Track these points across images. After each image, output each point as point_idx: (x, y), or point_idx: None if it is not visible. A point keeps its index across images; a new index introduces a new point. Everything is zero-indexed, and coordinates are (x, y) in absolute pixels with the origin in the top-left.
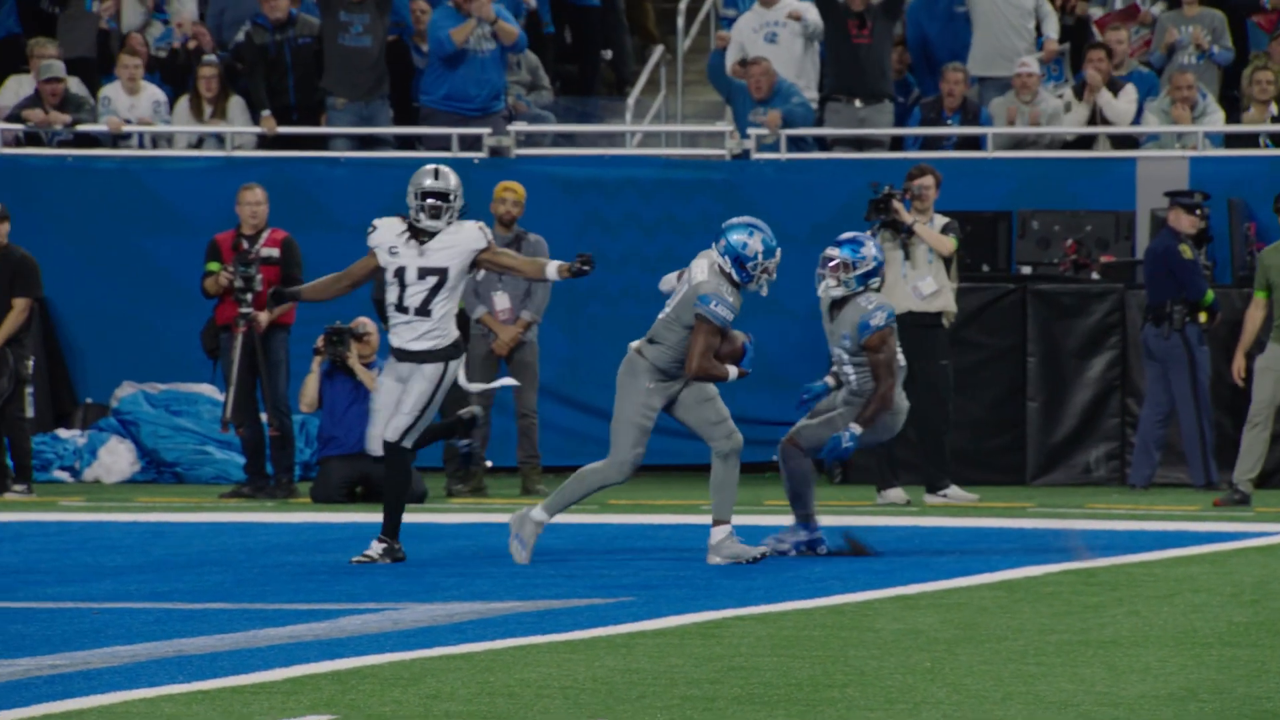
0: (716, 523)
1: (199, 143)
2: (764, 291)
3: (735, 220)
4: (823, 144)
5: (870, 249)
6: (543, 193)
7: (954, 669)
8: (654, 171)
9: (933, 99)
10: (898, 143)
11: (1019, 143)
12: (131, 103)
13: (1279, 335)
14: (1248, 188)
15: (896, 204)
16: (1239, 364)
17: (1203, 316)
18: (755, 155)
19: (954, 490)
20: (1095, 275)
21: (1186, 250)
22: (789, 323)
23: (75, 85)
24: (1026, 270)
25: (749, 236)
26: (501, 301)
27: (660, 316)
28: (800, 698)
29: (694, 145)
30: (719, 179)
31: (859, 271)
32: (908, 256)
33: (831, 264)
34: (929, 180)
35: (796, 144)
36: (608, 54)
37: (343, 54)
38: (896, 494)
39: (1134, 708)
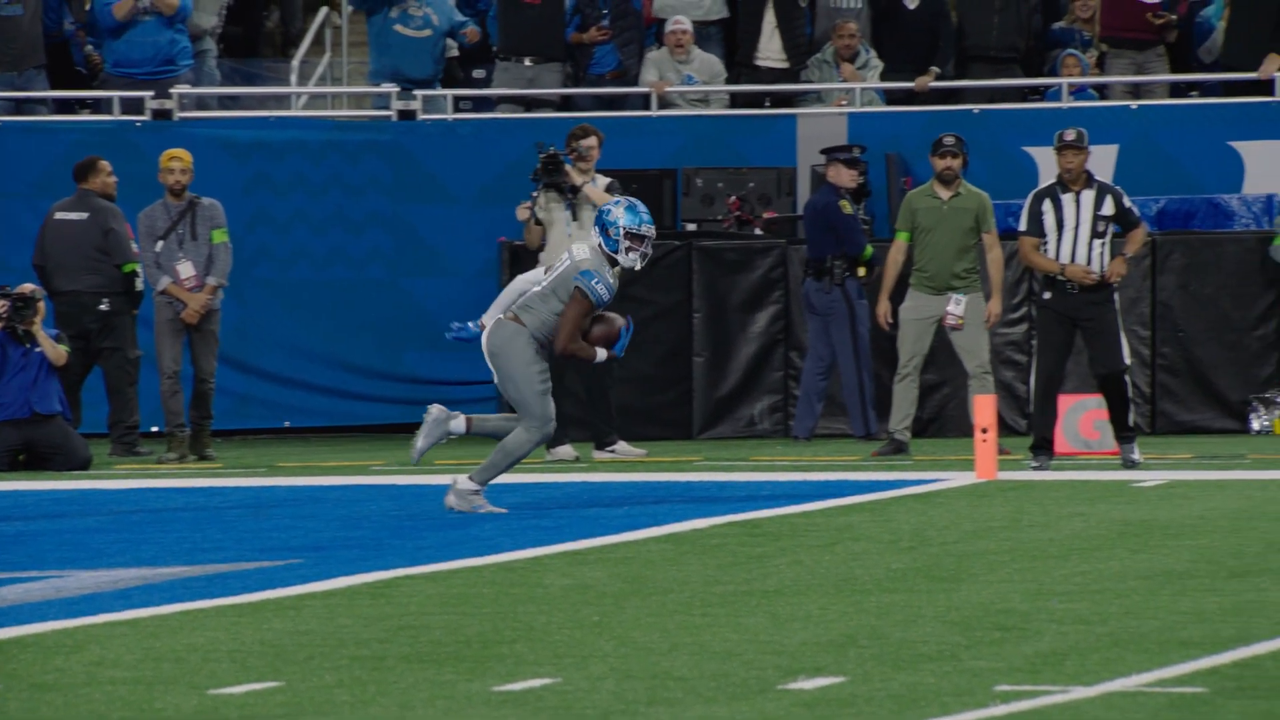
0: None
1: None
2: (637, 266)
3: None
4: (490, 104)
5: None
6: (209, 156)
7: (621, 622)
8: (321, 133)
9: None
10: (567, 102)
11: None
12: None
13: (919, 282)
14: (905, 143)
15: (565, 165)
16: (883, 308)
17: (862, 271)
18: (421, 116)
19: (622, 445)
20: (758, 231)
21: (846, 205)
22: (455, 282)
23: None
24: (691, 227)
25: (616, 207)
26: (186, 270)
27: (534, 290)
28: (469, 655)
29: (360, 107)
30: (386, 140)
31: None
32: (575, 217)
33: None
34: (592, 140)
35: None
36: (273, 15)
37: None
38: (565, 450)
39: (796, 655)
